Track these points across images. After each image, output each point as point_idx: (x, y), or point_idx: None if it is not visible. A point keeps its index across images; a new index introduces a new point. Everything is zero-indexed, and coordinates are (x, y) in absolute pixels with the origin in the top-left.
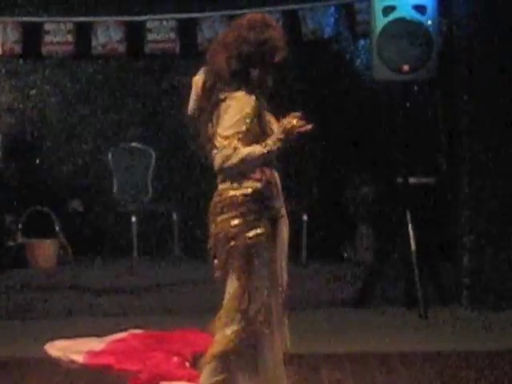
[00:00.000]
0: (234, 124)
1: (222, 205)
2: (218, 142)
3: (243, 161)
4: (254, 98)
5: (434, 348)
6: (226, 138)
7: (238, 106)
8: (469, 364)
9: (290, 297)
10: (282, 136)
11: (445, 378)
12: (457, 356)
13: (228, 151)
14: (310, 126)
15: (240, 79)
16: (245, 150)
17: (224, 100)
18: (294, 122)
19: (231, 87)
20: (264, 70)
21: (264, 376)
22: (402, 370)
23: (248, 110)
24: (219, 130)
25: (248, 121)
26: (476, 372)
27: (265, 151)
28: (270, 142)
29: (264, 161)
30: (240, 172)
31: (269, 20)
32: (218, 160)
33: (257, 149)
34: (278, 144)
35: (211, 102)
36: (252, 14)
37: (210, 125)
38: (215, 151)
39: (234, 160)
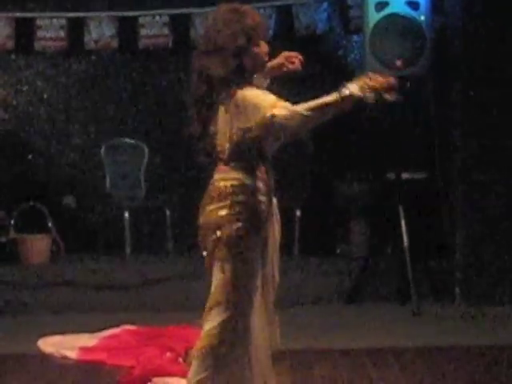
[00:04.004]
0: (265, 97)
1: (212, 195)
2: (270, 115)
3: (318, 112)
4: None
5: (427, 343)
6: (272, 106)
7: (250, 97)
8: (461, 359)
9: (280, 294)
10: (372, 84)
11: (438, 373)
12: (450, 351)
13: (288, 112)
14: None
15: (237, 75)
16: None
17: (226, 98)
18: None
19: (227, 88)
20: (254, 59)
21: (252, 371)
22: (395, 366)
23: (259, 92)
24: (257, 117)
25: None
26: (469, 367)
27: (344, 95)
28: (349, 89)
29: (336, 111)
30: (236, 163)
31: (239, 6)
32: (289, 124)
33: (328, 97)
34: (360, 94)
35: (206, 105)
36: (221, 7)
37: (213, 128)
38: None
39: (301, 116)
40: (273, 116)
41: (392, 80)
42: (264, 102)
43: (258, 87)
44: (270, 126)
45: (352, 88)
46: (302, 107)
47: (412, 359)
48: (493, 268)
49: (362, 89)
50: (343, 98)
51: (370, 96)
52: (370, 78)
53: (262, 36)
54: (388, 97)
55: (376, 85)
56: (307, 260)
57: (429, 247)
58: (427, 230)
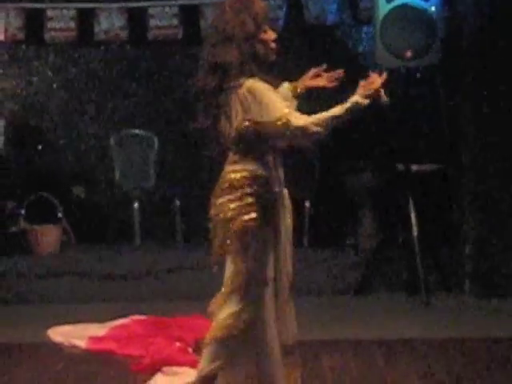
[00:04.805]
0: (279, 100)
1: (222, 187)
2: (280, 123)
3: (326, 125)
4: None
5: (436, 334)
6: (283, 116)
7: (260, 91)
8: (471, 350)
9: (294, 285)
10: (368, 93)
11: (447, 364)
12: (459, 342)
13: (301, 122)
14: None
15: (247, 67)
16: (320, 115)
17: (235, 88)
18: (378, 80)
19: (238, 78)
20: (264, 45)
21: (262, 362)
22: (403, 357)
23: (269, 88)
24: (265, 119)
25: (278, 95)
26: (478, 358)
27: (348, 106)
28: (354, 98)
29: (342, 119)
30: (246, 155)
31: None
32: (300, 135)
33: (336, 110)
34: (364, 101)
35: (218, 101)
36: None
37: (222, 118)
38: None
39: (317, 128)
40: (287, 124)
41: (382, 79)
42: (279, 104)
43: (265, 80)
44: (282, 130)
45: (355, 98)
46: (314, 121)
47: (421, 350)
48: (503, 260)
49: (363, 96)
50: (351, 109)
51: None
52: (366, 85)
53: (268, 23)
54: (382, 99)
55: (373, 90)
56: (316, 251)
57: (438, 238)
58: (437, 222)
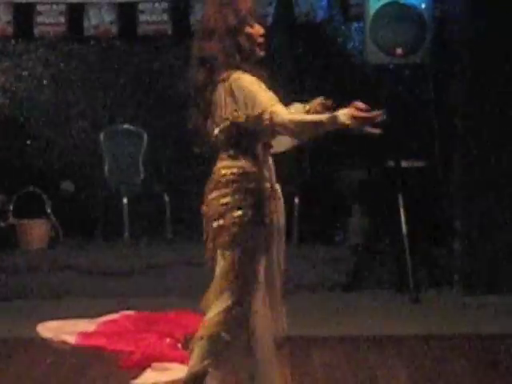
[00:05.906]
0: (264, 93)
1: (214, 183)
2: (262, 114)
3: (303, 127)
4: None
5: (426, 331)
6: (265, 111)
7: (246, 83)
8: (459, 347)
9: (286, 282)
10: (357, 114)
11: (436, 360)
12: (448, 339)
13: (279, 113)
14: (377, 130)
15: (232, 59)
16: (299, 116)
17: (221, 81)
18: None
19: (225, 71)
20: (249, 39)
21: (255, 358)
22: (393, 353)
23: (255, 81)
24: (249, 111)
25: (263, 87)
26: (467, 355)
27: (324, 120)
28: (339, 114)
29: (318, 131)
30: (236, 150)
31: None
32: (279, 122)
33: (316, 117)
34: (348, 121)
35: (206, 96)
36: None
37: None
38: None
39: (290, 123)
40: (270, 118)
41: (374, 115)
42: (264, 97)
43: (254, 75)
44: (263, 123)
45: (341, 115)
46: (294, 119)
47: (410, 347)
48: (491, 256)
49: (348, 117)
50: (330, 121)
51: (354, 125)
52: (356, 109)
53: (255, 18)
54: (368, 129)
55: (361, 116)
56: (306, 247)
57: (428, 235)
58: (426, 218)
